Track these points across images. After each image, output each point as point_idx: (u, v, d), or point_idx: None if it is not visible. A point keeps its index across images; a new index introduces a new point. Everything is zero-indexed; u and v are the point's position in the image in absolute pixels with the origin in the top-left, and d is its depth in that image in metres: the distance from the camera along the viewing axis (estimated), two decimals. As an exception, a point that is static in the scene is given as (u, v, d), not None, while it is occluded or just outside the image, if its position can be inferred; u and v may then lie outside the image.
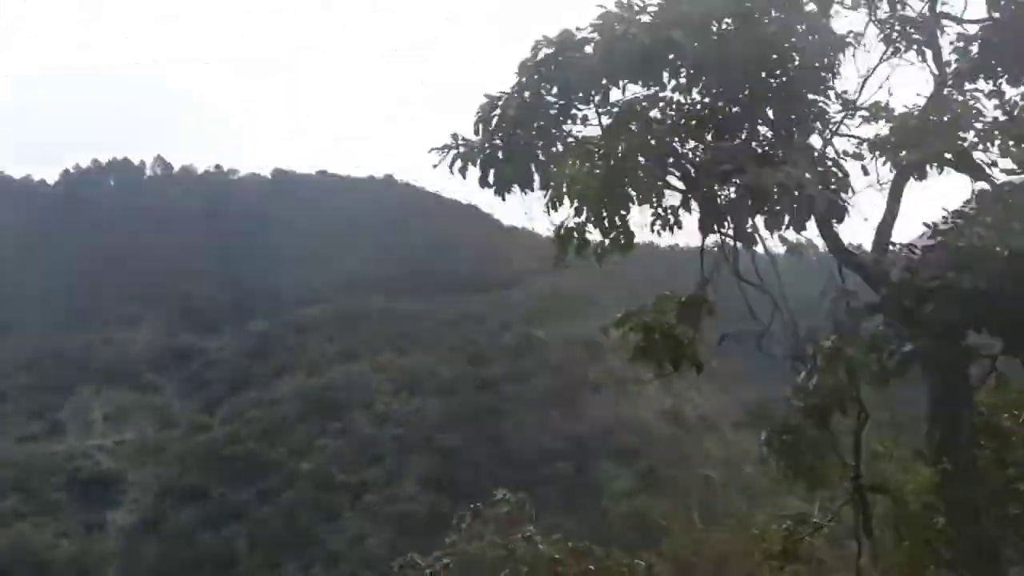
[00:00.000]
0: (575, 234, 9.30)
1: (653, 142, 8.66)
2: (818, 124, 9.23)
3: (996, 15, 9.02)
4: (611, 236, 9.24)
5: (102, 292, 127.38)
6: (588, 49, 8.79)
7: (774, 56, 8.73)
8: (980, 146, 8.55)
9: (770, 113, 9.10)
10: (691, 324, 9.74)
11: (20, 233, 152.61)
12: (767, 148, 8.99)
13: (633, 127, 8.83)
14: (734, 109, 9.05)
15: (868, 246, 9.51)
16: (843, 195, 8.75)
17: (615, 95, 9.00)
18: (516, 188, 9.24)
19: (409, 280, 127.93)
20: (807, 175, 8.05)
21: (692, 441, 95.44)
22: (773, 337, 10.71)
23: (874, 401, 9.69)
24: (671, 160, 8.88)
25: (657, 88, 8.97)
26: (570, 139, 9.20)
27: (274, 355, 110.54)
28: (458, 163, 9.04)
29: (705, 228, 9.28)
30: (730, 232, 9.08)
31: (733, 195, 8.51)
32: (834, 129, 9.43)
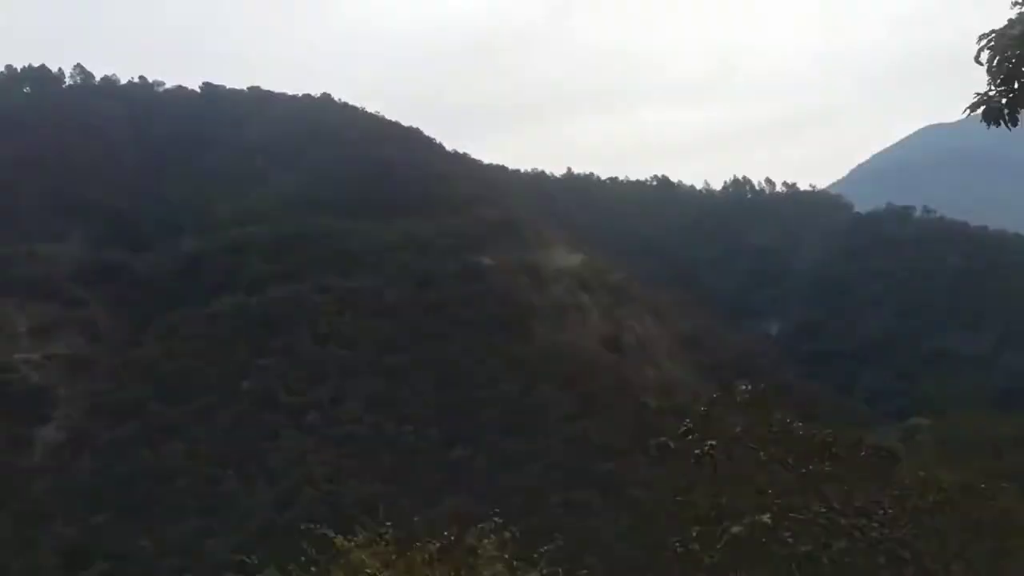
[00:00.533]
0: None
1: None
2: None
3: None
4: None
5: (22, 203, 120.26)
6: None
7: None
8: None
9: None
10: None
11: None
12: None
13: None
14: None
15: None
16: None
17: None
18: None
19: (350, 202, 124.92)
20: None
21: (631, 368, 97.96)
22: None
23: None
24: None
25: None
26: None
27: (208, 274, 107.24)
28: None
29: None
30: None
31: None
32: None
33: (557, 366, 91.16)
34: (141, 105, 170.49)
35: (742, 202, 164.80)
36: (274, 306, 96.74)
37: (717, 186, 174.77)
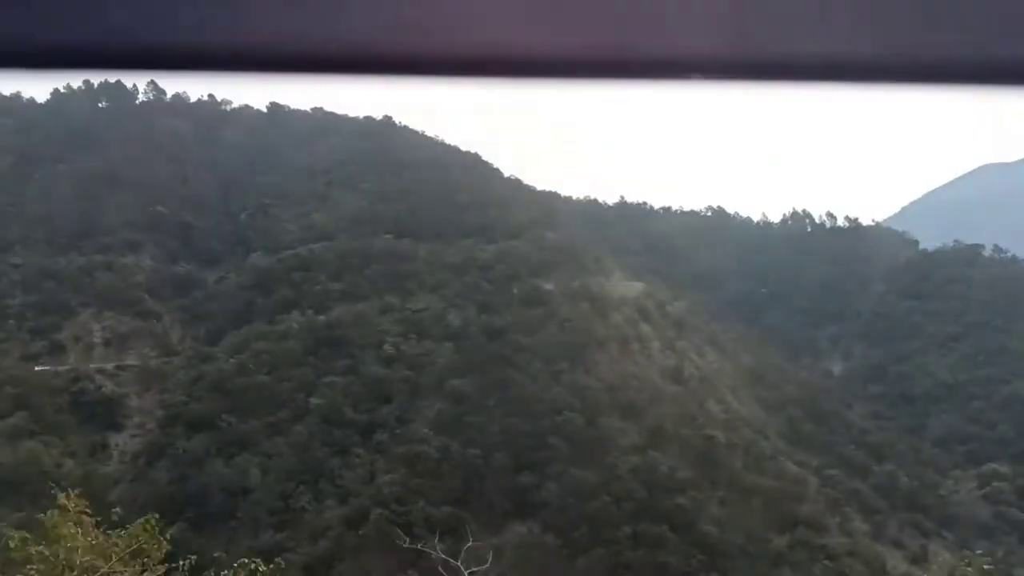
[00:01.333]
0: None
1: None
2: None
3: None
4: None
5: (100, 216, 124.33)
6: None
7: None
8: None
9: None
10: None
11: (11, 150, 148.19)
12: None
13: None
14: None
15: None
16: None
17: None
18: None
19: (412, 223, 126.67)
20: None
21: (694, 401, 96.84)
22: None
23: None
24: None
25: None
26: None
27: (277, 290, 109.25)
28: None
29: None
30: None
31: None
32: None
33: (621, 397, 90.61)
34: (209, 123, 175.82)
35: (801, 235, 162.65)
36: (340, 325, 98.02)
37: (774, 218, 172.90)
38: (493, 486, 75.96)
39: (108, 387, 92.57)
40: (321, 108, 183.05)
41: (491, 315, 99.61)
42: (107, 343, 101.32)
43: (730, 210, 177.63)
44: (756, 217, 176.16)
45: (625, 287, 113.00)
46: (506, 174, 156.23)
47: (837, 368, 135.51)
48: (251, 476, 75.75)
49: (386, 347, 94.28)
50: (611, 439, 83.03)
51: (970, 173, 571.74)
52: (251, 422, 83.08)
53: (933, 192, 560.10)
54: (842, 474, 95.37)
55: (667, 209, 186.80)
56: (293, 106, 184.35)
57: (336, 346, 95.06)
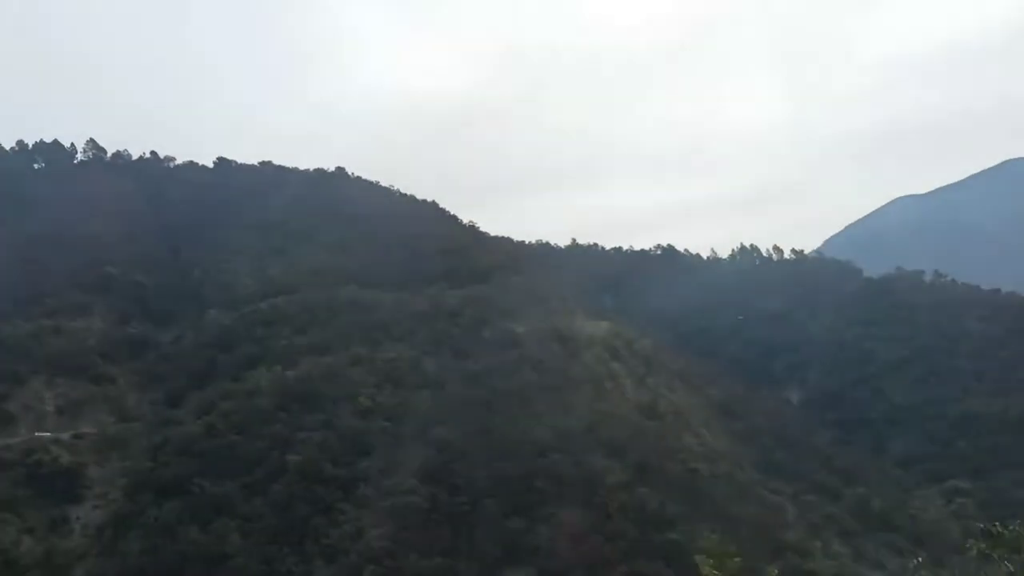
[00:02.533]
0: None
1: None
2: None
3: None
4: None
5: (46, 279, 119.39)
6: None
7: None
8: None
9: None
10: None
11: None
12: None
13: None
14: None
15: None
16: None
17: None
18: None
19: (373, 273, 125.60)
20: None
21: (672, 435, 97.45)
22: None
23: None
24: None
25: None
26: None
27: (239, 347, 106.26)
28: None
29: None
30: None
31: None
32: None
33: (603, 435, 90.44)
34: (154, 180, 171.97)
35: (750, 269, 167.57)
36: (311, 379, 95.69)
37: (723, 253, 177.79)
38: (484, 534, 74.35)
39: (65, 457, 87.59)
40: (270, 162, 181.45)
41: (465, 360, 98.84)
42: (60, 411, 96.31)
43: (679, 248, 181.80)
44: (705, 254, 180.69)
45: (593, 326, 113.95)
46: (464, 221, 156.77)
47: (795, 396, 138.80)
48: (230, 542, 72.34)
49: (361, 399, 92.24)
50: (598, 477, 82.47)
51: (886, 205, 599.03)
52: (226, 484, 79.66)
53: (853, 224, 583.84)
54: (817, 499, 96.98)
55: (618, 249, 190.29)
56: (240, 160, 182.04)
57: (308, 401, 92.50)
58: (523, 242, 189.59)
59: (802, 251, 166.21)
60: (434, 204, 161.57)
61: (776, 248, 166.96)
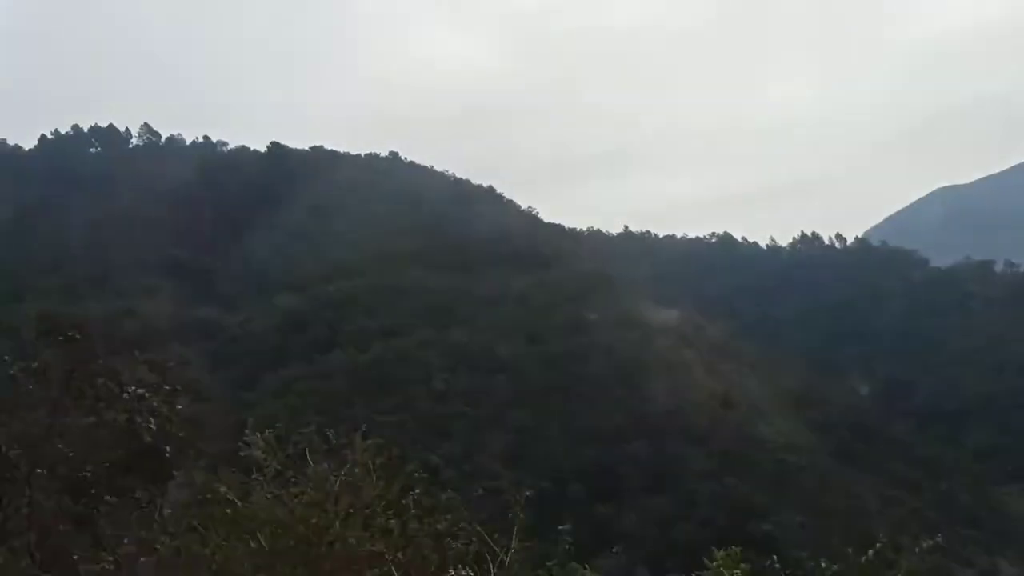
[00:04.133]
0: None
1: None
2: None
3: None
4: None
5: (112, 262, 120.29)
6: None
7: None
8: None
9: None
10: None
11: (8, 199, 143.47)
12: None
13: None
14: None
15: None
16: None
17: None
18: None
19: (435, 257, 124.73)
20: None
21: (748, 424, 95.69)
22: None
23: None
24: None
25: None
26: None
27: (310, 329, 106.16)
28: None
29: None
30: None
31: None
32: None
33: (682, 422, 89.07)
34: (207, 164, 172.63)
35: (812, 257, 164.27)
36: (384, 362, 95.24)
37: (783, 241, 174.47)
38: (572, 519, 73.34)
39: (145, 438, 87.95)
40: (321, 147, 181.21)
41: (538, 345, 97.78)
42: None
43: (736, 236, 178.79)
44: (764, 242, 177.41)
45: (664, 314, 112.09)
46: (522, 206, 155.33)
47: (863, 387, 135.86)
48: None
49: (436, 382, 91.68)
50: (682, 465, 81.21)
51: (929, 195, 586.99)
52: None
53: (894, 215, 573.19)
54: (899, 493, 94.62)
55: (671, 237, 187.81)
56: (292, 145, 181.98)
57: (382, 383, 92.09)
58: (574, 229, 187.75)
59: (866, 239, 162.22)
60: (491, 189, 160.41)
61: (839, 236, 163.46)
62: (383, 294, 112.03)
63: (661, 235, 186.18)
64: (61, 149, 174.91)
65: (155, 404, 11.80)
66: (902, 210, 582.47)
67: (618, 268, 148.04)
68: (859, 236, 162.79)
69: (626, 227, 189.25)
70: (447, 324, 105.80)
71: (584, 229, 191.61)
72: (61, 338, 10.54)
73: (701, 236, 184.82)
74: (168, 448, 12.25)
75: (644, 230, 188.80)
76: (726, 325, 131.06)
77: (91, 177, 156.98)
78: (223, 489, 8.78)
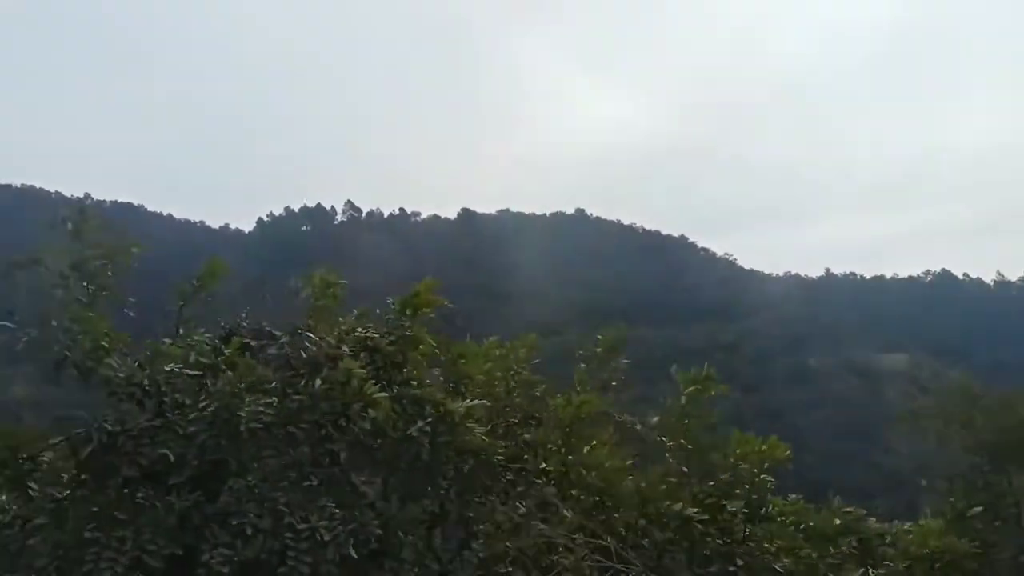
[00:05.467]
0: None
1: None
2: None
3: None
4: None
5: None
6: None
7: None
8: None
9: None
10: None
11: (235, 276, 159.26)
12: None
13: None
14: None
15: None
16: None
17: None
18: None
19: (635, 311, 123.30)
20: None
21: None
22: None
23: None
24: None
25: None
26: None
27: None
28: None
29: None
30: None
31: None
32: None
33: (932, 476, 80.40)
34: (404, 234, 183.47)
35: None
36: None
37: (1012, 276, 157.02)
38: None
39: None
40: (507, 209, 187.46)
41: (756, 394, 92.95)
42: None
43: (957, 273, 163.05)
44: (988, 277, 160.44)
45: (891, 359, 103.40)
46: (719, 253, 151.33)
47: None
48: None
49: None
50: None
51: None
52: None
53: None
54: None
55: (879, 277, 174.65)
56: (480, 211, 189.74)
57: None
58: (771, 274, 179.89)
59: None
60: (682, 238, 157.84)
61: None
62: (588, 350, 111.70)
63: (868, 276, 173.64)
64: (278, 229, 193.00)
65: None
66: None
67: (828, 312, 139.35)
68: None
69: (827, 269, 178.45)
70: (655, 379, 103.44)
71: (781, 274, 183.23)
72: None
73: (913, 275, 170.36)
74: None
75: (848, 271, 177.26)
76: (963, 369, 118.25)
77: (304, 253, 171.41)
78: None
